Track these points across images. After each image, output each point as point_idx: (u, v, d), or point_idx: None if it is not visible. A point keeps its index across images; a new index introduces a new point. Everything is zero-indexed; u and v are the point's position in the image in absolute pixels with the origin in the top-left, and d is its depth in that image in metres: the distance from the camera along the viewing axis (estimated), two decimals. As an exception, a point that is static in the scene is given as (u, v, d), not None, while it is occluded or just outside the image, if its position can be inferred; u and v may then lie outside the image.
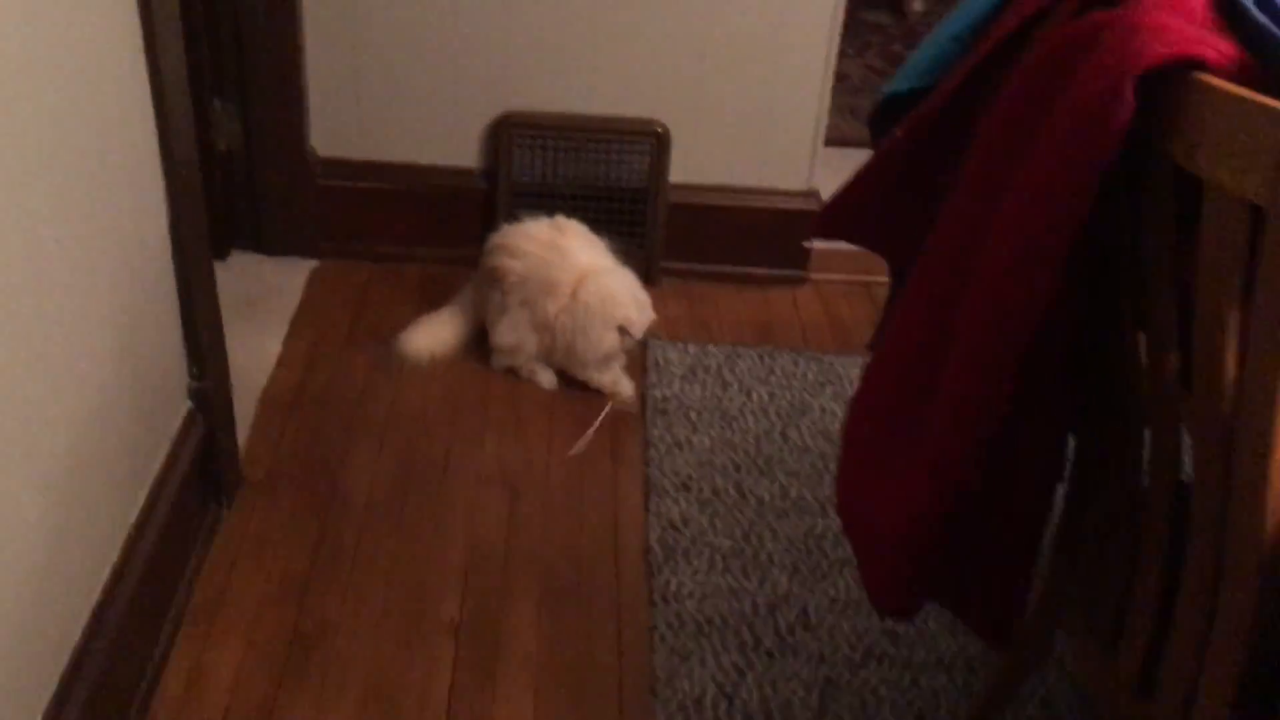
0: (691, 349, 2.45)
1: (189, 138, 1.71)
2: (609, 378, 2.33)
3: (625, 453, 2.20)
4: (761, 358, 2.46)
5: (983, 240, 1.01)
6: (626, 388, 2.33)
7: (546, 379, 2.34)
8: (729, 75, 2.55)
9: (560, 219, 2.38)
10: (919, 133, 1.08)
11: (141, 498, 1.65)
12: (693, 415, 2.27)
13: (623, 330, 2.27)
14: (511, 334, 2.34)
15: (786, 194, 2.68)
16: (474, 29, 2.49)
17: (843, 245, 2.85)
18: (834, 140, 2.75)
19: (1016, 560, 1.20)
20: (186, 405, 1.84)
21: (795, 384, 2.38)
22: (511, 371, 2.36)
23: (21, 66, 1.23)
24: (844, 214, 1.17)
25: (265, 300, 2.53)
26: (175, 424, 1.80)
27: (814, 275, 2.76)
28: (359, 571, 1.89)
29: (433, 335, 2.41)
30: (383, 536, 1.96)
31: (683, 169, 2.63)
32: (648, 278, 2.64)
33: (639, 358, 2.41)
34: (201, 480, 1.87)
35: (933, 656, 1.79)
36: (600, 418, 2.23)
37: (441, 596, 1.86)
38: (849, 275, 2.78)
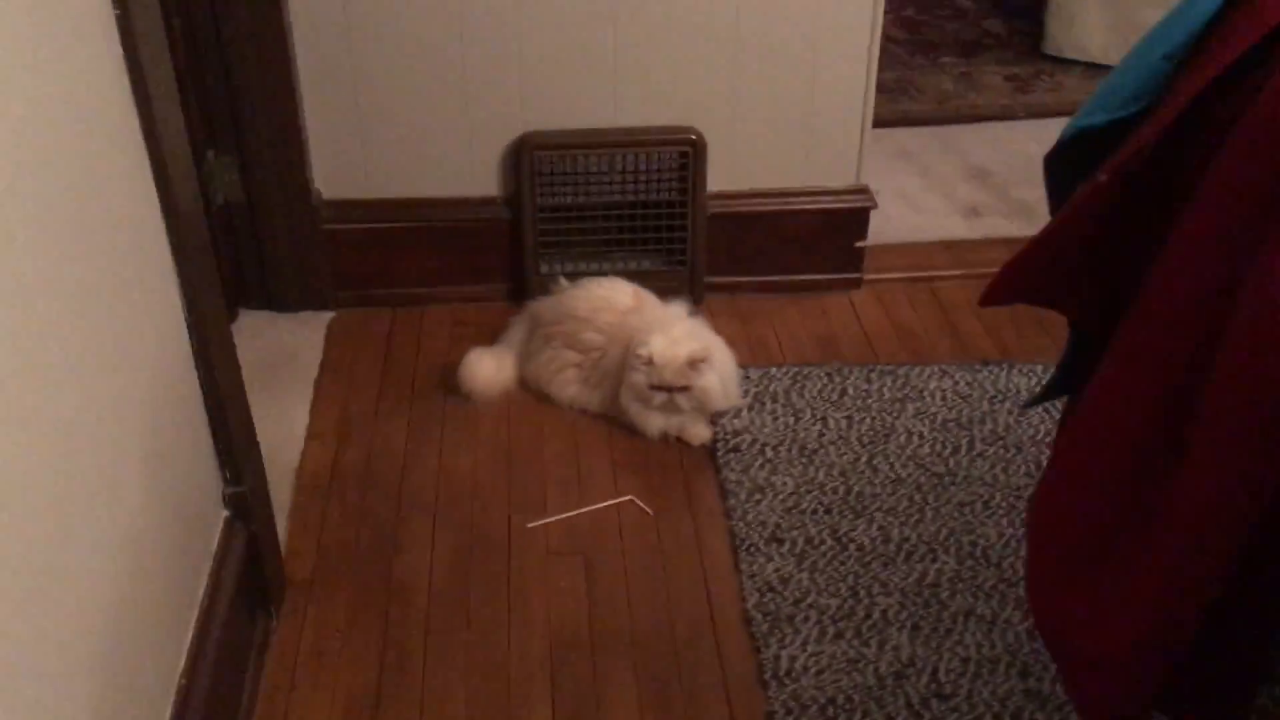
0: (753, 374, 2.25)
1: (193, 199, 1.50)
2: (678, 427, 2.12)
3: (702, 502, 1.99)
4: (830, 377, 2.25)
5: (1226, 311, 0.81)
6: (699, 435, 2.11)
7: (654, 426, 2.12)
8: (764, 70, 2.33)
9: (636, 288, 2.24)
10: (1128, 175, 0.87)
11: (188, 638, 1.45)
12: (768, 451, 2.07)
13: (647, 362, 2.05)
14: (568, 386, 2.20)
15: (834, 192, 2.46)
16: (483, 48, 2.27)
17: (897, 239, 2.68)
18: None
19: (1250, 657, 1.00)
20: (223, 514, 1.63)
21: (872, 404, 2.18)
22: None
23: (20, 165, 1.02)
24: (1028, 274, 0.96)
25: (284, 363, 2.32)
26: (214, 539, 1.59)
27: (869, 276, 2.55)
28: (433, 677, 1.69)
29: (497, 367, 2.24)
30: (453, 632, 1.76)
31: (721, 176, 2.42)
32: (692, 295, 2.43)
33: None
34: (247, 594, 1.67)
35: (1087, 718, 1.60)
36: (603, 504, 1.98)
37: (529, 697, 1.66)
38: (906, 273, 2.58)
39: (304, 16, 2.21)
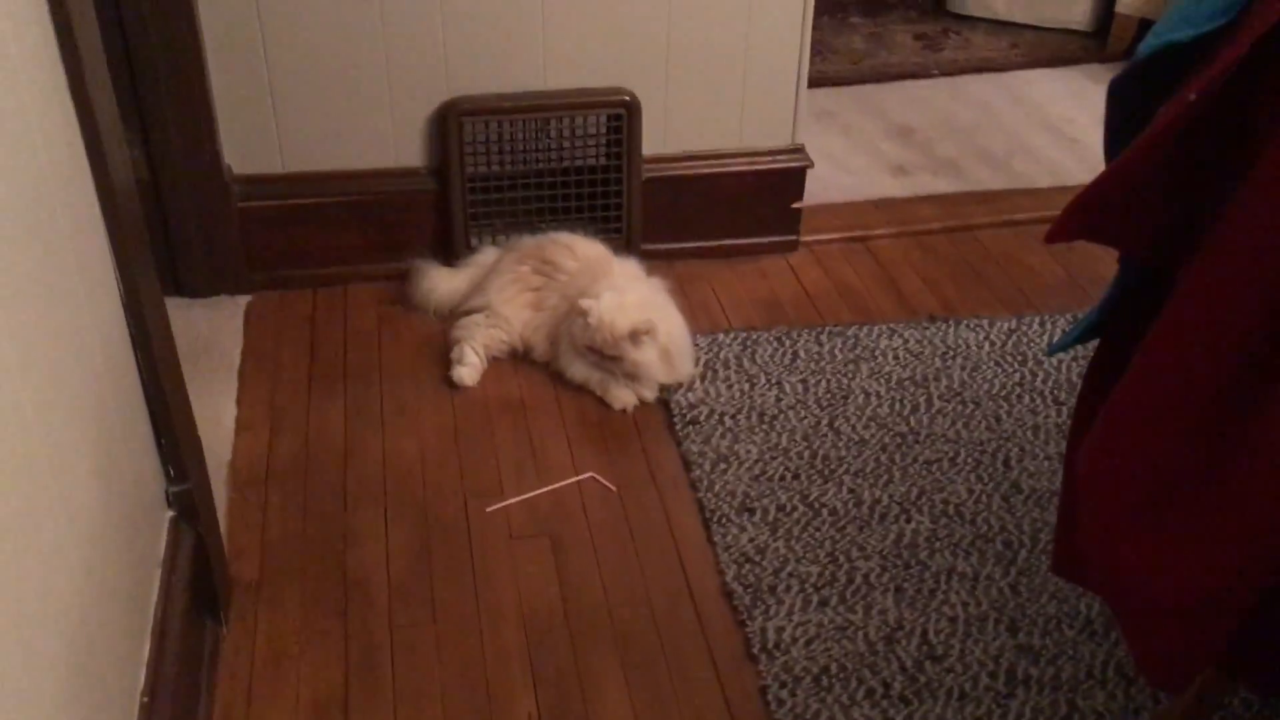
0: (701, 340, 2.18)
1: (127, 175, 1.36)
2: (601, 385, 2.06)
3: (665, 475, 1.92)
4: (780, 341, 2.20)
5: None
6: (619, 398, 2.04)
7: (618, 397, 2.06)
8: (698, 29, 2.25)
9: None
10: (1213, 93, 0.82)
11: (145, 652, 1.31)
12: (727, 420, 2.01)
13: (584, 315, 2.00)
14: (519, 318, 2.15)
15: (771, 153, 2.41)
16: (403, 7, 2.14)
17: (833, 199, 2.65)
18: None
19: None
20: (168, 515, 1.49)
21: (826, 366, 2.14)
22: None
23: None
24: (1103, 207, 0.90)
25: (201, 353, 2.16)
26: (160, 542, 1.46)
27: (805, 238, 2.51)
28: (403, 675, 1.58)
29: (452, 284, 2.24)
30: (419, 626, 1.66)
31: (655, 140, 2.34)
32: (628, 263, 2.36)
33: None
34: (197, 601, 1.53)
35: (1081, 670, 1.58)
36: (563, 483, 1.90)
37: (510, 688, 1.57)
38: (842, 233, 2.54)
39: (207, -24, 2.05)
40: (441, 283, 2.24)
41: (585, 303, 2.00)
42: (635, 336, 1.98)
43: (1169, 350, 0.88)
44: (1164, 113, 0.85)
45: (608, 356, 2.00)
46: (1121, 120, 0.94)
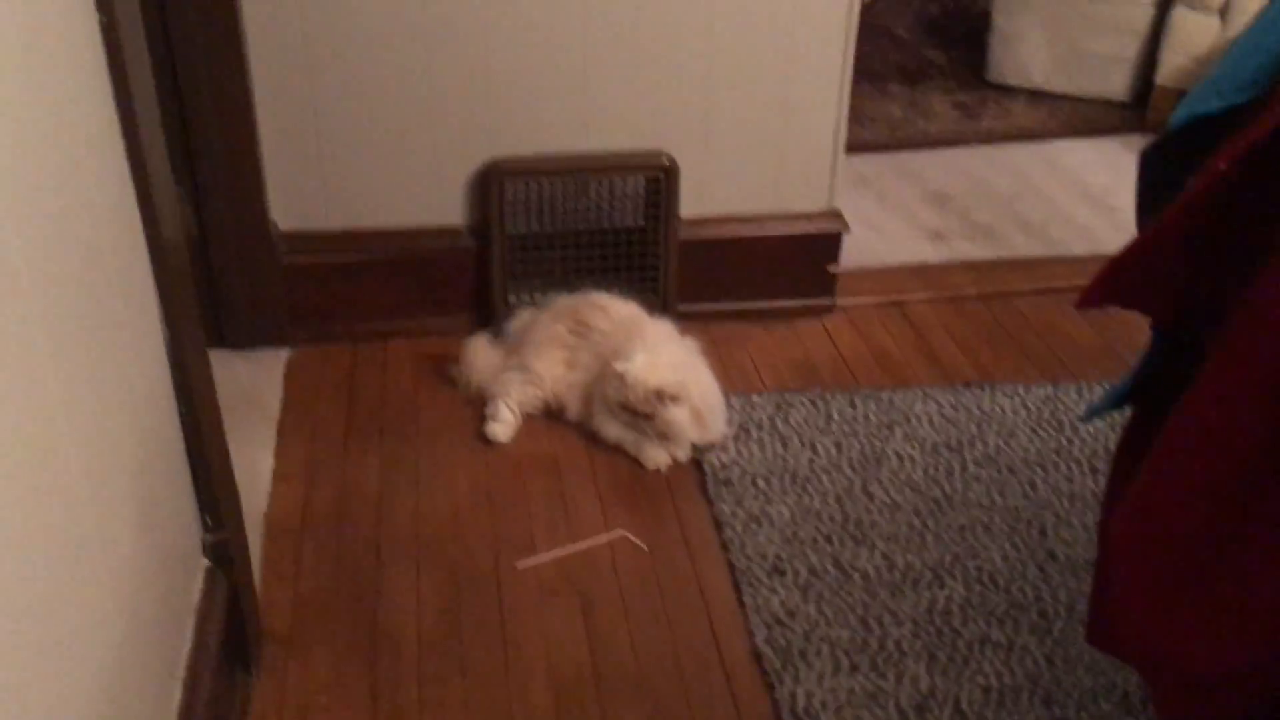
0: (735, 402, 2.19)
1: (176, 228, 1.39)
2: (635, 445, 2.07)
3: (697, 535, 1.92)
4: (814, 403, 2.20)
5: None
6: (653, 458, 2.05)
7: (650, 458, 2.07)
8: (736, 94, 2.29)
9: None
10: (1245, 163, 0.82)
11: (176, 702, 1.32)
12: (760, 482, 2.01)
13: (619, 377, 2.01)
14: (553, 375, 2.16)
15: (807, 216, 2.43)
16: (447, 72, 2.19)
17: (869, 264, 2.66)
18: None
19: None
20: (203, 564, 1.51)
21: (860, 429, 2.14)
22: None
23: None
24: (1132, 273, 0.91)
25: (241, 404, 2.18)
26: (195, 592, 1.47)
27: (841, 301, 2.52)
28: (431, 731, 1.58)
29: (490, 359, 2.23)
30: (448, 681, 1.66)
31: (692, 201, 2.37)
32: (664, 324, 2.37)
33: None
34: (228, 652, 1.54)
35: (1117, 744, 1.56)
36: (591, 541, 1.89)
37: (536, 749, 1.57)
38: (878, 297, 2.55)
39: (260, 37, 2.11)
40: (482, 360, 2.24)
41: (619, 365, 2.01)
42: (662, 397, 2.00)
43: (1199, 420, 0.88)
44: (1195, 183, 0.86)
45: (641, 414, 2.02)
46: (1152, 190, 0.95)
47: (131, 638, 1.18)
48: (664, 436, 2.04)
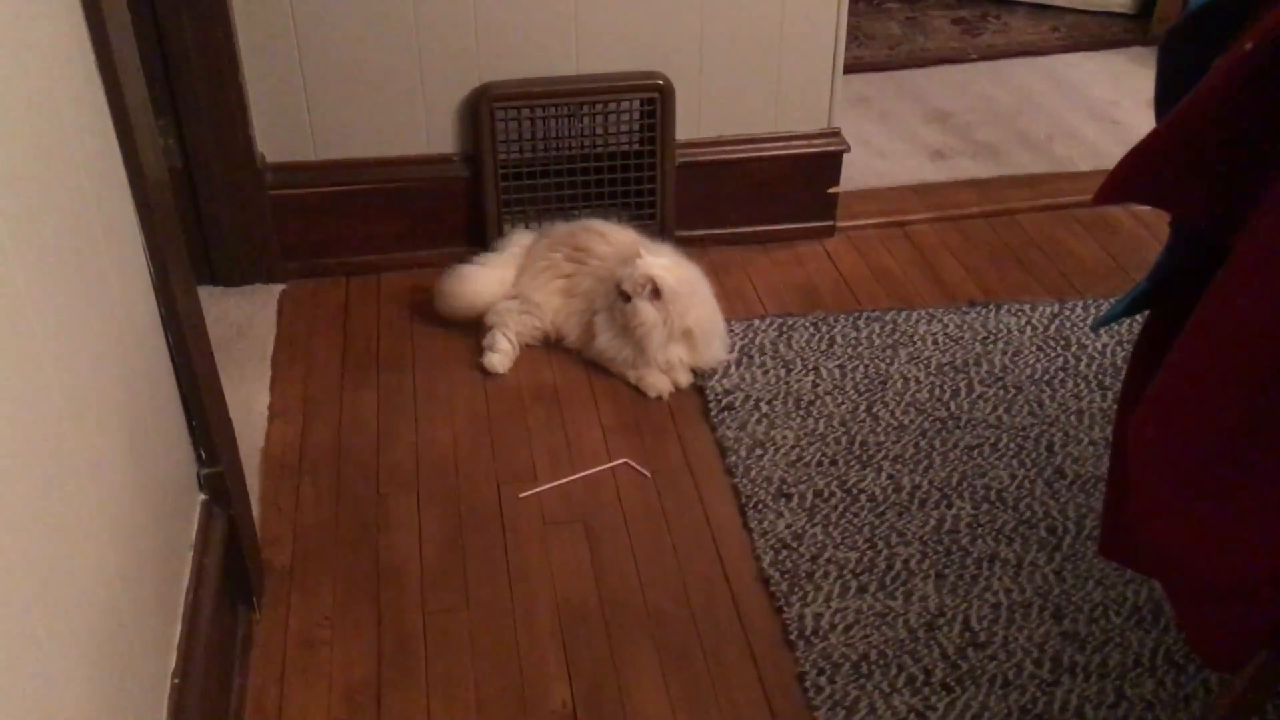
0: (737, 326, 2.15)
1: (158, 163, 1.35)
2: (636, 372, 2.04)
3: (700, 461, 1.89)
4: (817, 326, 2.17)
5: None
6: (654, 385, 2.02)
7: (654, 384, 2.04)
8: (732, 12, 2.22)
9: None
10: (1274, 43, 0.78)
11: (177, 634, 1.31)
12: (763, 406, 1.98)
13: (621, 292, 1.99)
14: (551, 304, 2.13)
15: (806, 137, 2.37)
16: (434, -8, 2.13)
17: (870, 185, 2.61)
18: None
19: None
20: (200, 498, 1.49)
21: (863, 352, 2.10)
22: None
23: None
24: (1154, 166, 0.87)
25: (236, 341, 2.15)
26: (192, 526, 1.45)
27: (841, 223, 2.47)
28: (437, 661, 1.57)
29: (482, 282, 2.17)
30: (453, 612, 1.64)
31: (689, 124, 2.31)
32: (662, 250, 2.33)
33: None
34: (229, 585, 1.52)
35: (1129, 657, 1.54)
36: (597, 469, 1.87)
37: (544, 677, 1.55)
38: (880, 219, 2.50)
39: (239, -37, 2.05)
40: (482, 285, 2.18)
41: (642, 256, 2.01)
42: (649, 286, 1.98)
43: (1224, 320, 0.84)
44: (1219, 65, 0.82)
45: (621, 292, 2.00)
46: (1174, 77, 0.91)
47: (127, 570, 1.15)
48: (631, 332, 2.01)
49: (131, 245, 1.29)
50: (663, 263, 2.01)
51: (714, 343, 2.06)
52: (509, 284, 2.17)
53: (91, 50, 1.20)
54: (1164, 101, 0.94)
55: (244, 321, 2.20)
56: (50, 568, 0.95)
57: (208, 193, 2.19)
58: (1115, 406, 1.91)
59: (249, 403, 2.01)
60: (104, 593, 1.07)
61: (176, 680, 1.26)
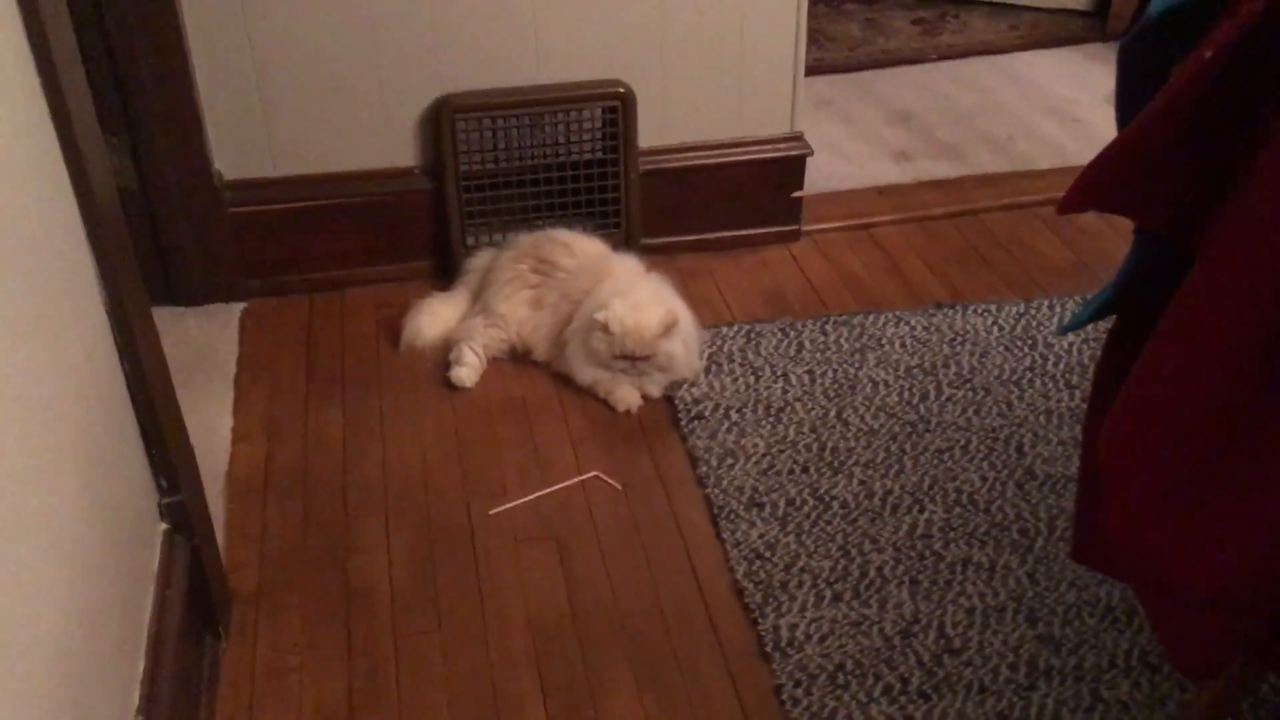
0: (705, 334, 2.14)
1: (108, 183, 1.32)
2: (605, 385, 2.02)
3: (671, 472, 1.88)
4: (784, 332, 2.16)
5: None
6: (623, 399, 2.00)
7: (623, 398, 2.01)
8: (692, 17, 2.21)
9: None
10: (1232, 50, 0.77)
11: (139, 671, 1.28)
12: (733, 414, 1.97)
13: (605, 329, 1.95)
14: (517, 316, 2.11)
15: (770, 141, 2.37)
16: (392, 5, 2.10)
17: (834, 188, 2.60)
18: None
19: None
20: (161, 528, 1.46)
21: (832, 356, 2.10)
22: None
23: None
24: (1115, 174, 0.86)
25: (196, 361, 2.12)
26: (154, 557, 1.42)
27: (806, 227, 2.47)
28: (409, 685, 1.55)
29: (439, 316, 2.15)
30: (425, 634, 1.62)
31: (651, 132, 2.30)
32: (627, 258, 2.31)
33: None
34: (194, 616, 1.50)
35: (1104, 659, 1.54)
36: (564, 484, 1.85)
37: (518, 696, 1.53)
38: (845, 221, 2.50)
39: (190, -21, 2.02)
40: (435, 320, 2.15)
41: (601, 315, 1.95)
42: (668, 331, 1.95)
43: (1190, 326, 0.83)
44: (1179, 72, 0.81)
45: (640, 358, 1.96)
46: (1135, 84, 0.90)
47: (81, 605, 1.12)
48: (663, 370, 1.99)
49: (81, 269, 1.27)
50: (637, 301, 1.97)
51: (692, 352, 2.05)
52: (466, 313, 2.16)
53: (34, 65, 1.17)
54: (1126, 107, 0.93)
55: (205, 342, 2.17)
56: None
57: (165, 212, 2.15)
58: (1084, 407, 1.92)
59: (212, 425, 1.97)
60: (57, 631, 1.05)
61: (140, 718, 1.23)
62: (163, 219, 2.16)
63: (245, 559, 1.73)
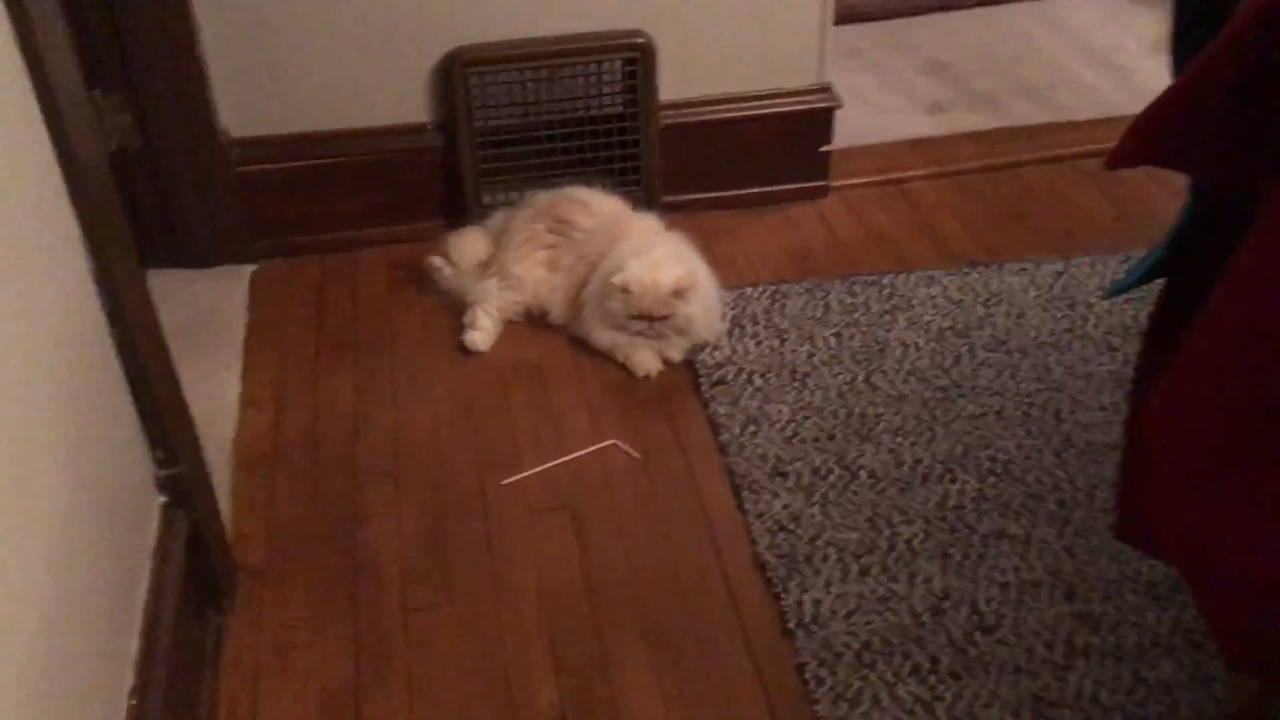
0: (728, 296, 2.06)
1: (92, 142, 1.25)
2: (623, 349, 1.94)
3: (692, 440, 1.81)
4: (811, 292, 2.07)
5: None
6: (642, 364, 1.93)
7: (642, 363, 1.94)
8: (713, -38, 2.12)
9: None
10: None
11: (134, 650, 1.23)
12: (756, 379, 1.89)
13: (623, 290, 1.88)
14: (533, 278, 2.04)
15: (797, 94, 2.27)
16: (399, -48, 2.02)
17: (864, 141, 2.50)
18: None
19: None
20: (158, 501, 1.40)
21: (860, 318, 2.01)
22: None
23: None
24: (1169, 125, 0.78)
25: (205, 326, 2.06)
26: (150, 531, 1.37)
27: (835, 183, 2.37)
28: (418, 660, 1.49)
29: (476, 245, 2.11)
30: (434, 608, 1.56)
31: (672, 84, 2.20)
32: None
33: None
34: (194, 591, 1.45)
35: (1145, 638, 1.46)
36: (580, 452, 1.78)
37: (530, 671, 1.48)
38: (875, 177, 2.40)
39: (191, -72, 1.94)
40: (471, 252, 2.11)
41: (619, 277, 1.88)
42: (681, 293, 1.87)
43: (1249, 291, 0.75)
44: (1240, 11, 0.72)
45: (656, 319, 1.89)
46: (1191, 24, 0.81)
47: (66, 584, 1.07)
48: (681, 332, 1.92)
49: (66, 236, 1.20)
50: (654, 259, 1.90)
51: (713, 314, 1.97)
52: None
53: (8, 18, 1.10)
54: (1180, 49, 0.84)
55: (214, 306, 2.11)
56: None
57: (170, 171, 2.09)
58: (1126, 370, 1.83)
59: (219, 392, 1.92)
60: (38, 614, 0.99)
61: (134, 701, 1.18)
62: (168, 179, 2.10)
63: (252, 530, 1.68)
